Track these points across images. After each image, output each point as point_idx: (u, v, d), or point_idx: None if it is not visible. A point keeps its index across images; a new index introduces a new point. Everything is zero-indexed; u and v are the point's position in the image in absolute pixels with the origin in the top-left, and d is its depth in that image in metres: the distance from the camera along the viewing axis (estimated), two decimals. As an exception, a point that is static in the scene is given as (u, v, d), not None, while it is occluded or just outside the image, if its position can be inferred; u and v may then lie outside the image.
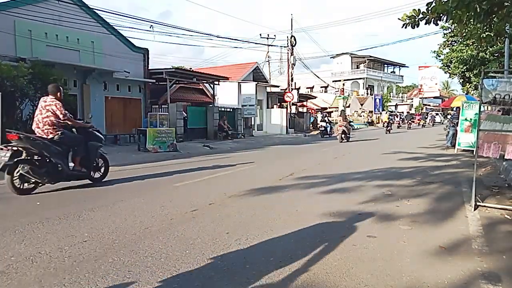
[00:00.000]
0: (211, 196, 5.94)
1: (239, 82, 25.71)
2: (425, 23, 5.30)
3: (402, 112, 50.48)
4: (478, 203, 5.21)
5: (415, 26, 5.39)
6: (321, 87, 52.08)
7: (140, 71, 18.06)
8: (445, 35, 22.70)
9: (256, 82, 26.04)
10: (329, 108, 46.46)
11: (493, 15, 5.28)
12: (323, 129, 23.82)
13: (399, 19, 5.43)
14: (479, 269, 3.14)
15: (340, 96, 47.14)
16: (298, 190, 6.48)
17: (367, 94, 55.18)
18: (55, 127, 6.25)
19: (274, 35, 31.48)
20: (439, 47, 24.32)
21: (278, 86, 31.04)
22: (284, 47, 30.09)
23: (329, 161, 11.08)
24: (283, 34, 32.33)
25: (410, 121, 36.88)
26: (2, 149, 5.82)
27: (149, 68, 18.68)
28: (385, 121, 30.11)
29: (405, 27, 5.45)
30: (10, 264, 3.19)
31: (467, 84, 24.61)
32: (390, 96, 60.10)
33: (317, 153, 13.99)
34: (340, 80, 53.18)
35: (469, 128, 12.56)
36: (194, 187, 6.82)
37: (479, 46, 17.41)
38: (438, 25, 5.61)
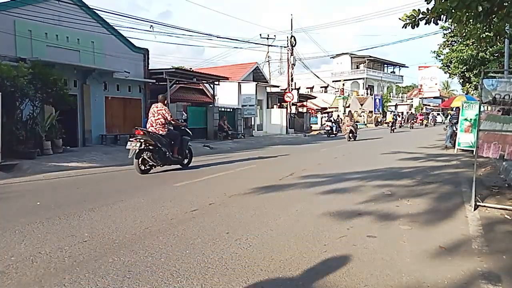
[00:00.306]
0: (211, 196, 5.94)
1: (239, 82, 25.70)
2: (425, 23, 5.30)
3: (402, 112, 51.24)
4: (478, 203, 5.21)
5: (415, 26, 5.39)
6: (321, 87, 52.09)
7: (140, 71, 18.06)
8: (445, 35, 22.72)
9: (256, 82, 26.03)
10: (329, 108, 46.48)
11: (493, 15, 5.28)
12: (329, 128, 24.68)
13: (399, 19, 5.43)
14: (479, 269, 3.14)
15: (340, 96, 47.15)
16: (298, 190, 6.48)
17: (367, 94, 55.17)
18: (164, 126, 8.64)
19: (274, 35, 31.53)
20: (439, 47, 24.34)
21: (278, 86, 31.04)
22: (284, 47, 30.09)
23: (329, 161, 11.08)
24: (283, 34, 32.39)
25: (412, 121, 38.00)
26: (132, 141, 8.12)
27: (149, 68, 18.67)
28: (390, 121, 31.54)
29: (405, 27, 5.45)
30: (10, 264, 3.19)
31: (467, 84, 24.62)
32: (390, 96, 60.08)
33: (317, 153, 13.99)
34: (340, 80, 53.18)
35: (469, 128, 12.56)
36: (194, 187, 6.82)
37: (478, 46, 17.41)
38: (438, 25, 5.61)
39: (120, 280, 2.89)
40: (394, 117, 33.57)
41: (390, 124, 29.85)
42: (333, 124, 24.96)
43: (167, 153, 8.53)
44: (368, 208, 5.16)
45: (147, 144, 8.16)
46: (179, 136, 8.99)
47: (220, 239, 3.84)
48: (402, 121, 41.36)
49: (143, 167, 8.32)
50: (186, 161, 9.43)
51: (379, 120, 45.77)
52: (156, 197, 5.89)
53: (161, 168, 8.80)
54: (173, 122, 8.91)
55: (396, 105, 59.43)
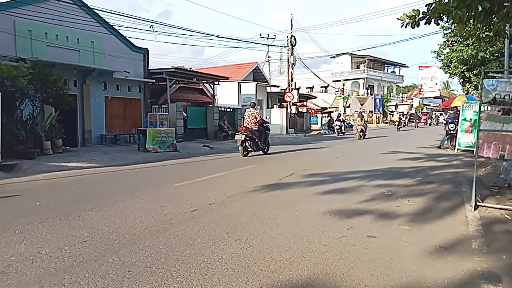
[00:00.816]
0: (211, 196, 5.94)
1: (239, 82, 25.70)
2: (425, 23, 5.29)
3: (402, 112, 51.74)
4: (478, 203, 5.21)
5: (415, 26, 5.38)
6: (321, 87, 52.07)
7: (140, 71, 18.05)
8: (445, 35, 22.71)
9: (256, 82, 26.04)
10: (329, 108, 46.47)
11: (493, 15, 5.28)
12: (338, 127, 26.83)
13: (398, 19, 5.42)
14: (479, 269, 3.13)
15: (340, 96, 47.15)
16: (298, 190, 6.47)
17: (367, 94, 55.16)
18: (255, 124, 12.19)
19: (274, 35, 31.49)
20: (439, 47, 24.33)
21: (278, 86, 31.04)
22: (284, 47, 30.07)
23: (329, 161, 11.08)
24: (283, 34, 32.40)
25: (417, 120, 41.32)
26: (238, 134, 11.81)
27: (149, 68, 18.66)
28: (396, 120, 34.32)
29: (405, 27, 5.44)
30: (10, 264, 3.19)
31: (467, 84, 24.62)
32: (390, 96, 60.05)
33: (317, 153, 13.99)
34: (340, 80, 53.18)
35: (469, 128, 12.56)
36: (194, 187, 6.81)
37: (478, 46, 17.40)
38: (439, 25, 5.60)
39: (120, 280, 2.89)
40: (400, 116, 36.07)
41: (397, 123, 32.48)
42: (342, 123, 27.14)
43: (259, 142, 12.06)
44: (368, 208, 5.16)
45: (247, 137, 11.68)
46: (264, 131, 12.46)
47: (220, 239, 3.84)
48: (407, 121, 42.89)
49: (245, 152, 11.85)
50: (266, 149, 12.70)
51: (391, 119, 46.09)
52: (156, 197, 5.89)
53: (253, 153, 12.23)
54: (262, 121, 12.52)
55: (396, 105, 59.41)
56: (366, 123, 23.64)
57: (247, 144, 11.81)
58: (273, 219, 4.62)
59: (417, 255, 3.43)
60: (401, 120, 33.75)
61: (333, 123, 29.11)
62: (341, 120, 27.70)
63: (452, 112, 15.93)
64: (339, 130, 26.81)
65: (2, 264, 3.19)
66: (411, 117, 43.66)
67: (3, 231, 4.13)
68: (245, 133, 11.62)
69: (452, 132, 13.79)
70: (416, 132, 30.46)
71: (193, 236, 3.94)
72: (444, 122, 14.51)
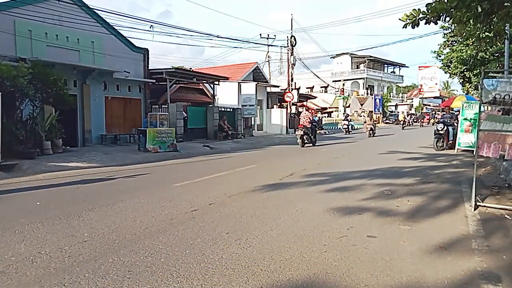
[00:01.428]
0: (211, 196, 5.94)
1: (239, 82, 25.69)
2: (425, 23, 5.29)
3: (408, 112, 52.89)
4: (478, 203, 5.21)
5: (415, 26, 5.38)
6: (321, 87, 52.08)
7: (140, 71, 18.05)
8: (445, 35, 22.70)
9: (256, 82, 26.02)
10: (329, 108, 46.48)
11: (493, 15, 5.28)
12: (346, 127, 28.80)
13: (399, 19, 5.42)
14: (479, 269, 3.13)
15: (340, 96, 47.17)
16: (298, 190, 6.47)
17: (367, 94, 55.15)
18: (309, 122, 15.50)
19: (274, 35, 31.50)
20: (439, 47, 24.32)
21: (278, 86, 31.04)
22: (284, 47, 30.06)
23: (329, 161, 11.08)
24: (283, 34, 32.44)
25: (422, 120, 43.96)
26: (298, 130, 15.57)
27: (149, 68, 18.65)
28: (402, 120, 37.36)
29: (405, 27, 5.45)
30: (10, 264, 3.19)
31: (467, 84, 24.61)
32: (390, 96, 60.03)
33: (317, 153, 13.99)
34: (340, 80, 53.19)
35: (469, 128, 12.56)
36: (194, 187, 6.81)
37: (478, 46, 17.40)
38: (438, 25, 5.61)
39: (120, 280, 2.89)
40: (405, 116, 39.42)
41: (402, 122, 36.08)
42: (350, 123, 29.33)
43: (313, 137, 15.92)
44: (368, 207, 5.16)
45: (304, 132, 15.38)
46: (314, 128, 16.12)
47: (220, 239, 3.84)
48: (412, 121, 45.16)
49: (302, 144, 15.41)
50: (315, 142, 16.23)
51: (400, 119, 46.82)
52: (156, 197, 5.89)
53: (308, 145, 15.79)
54: (312, 121, 16.02)
55: (396, 105, 59.41)
56: (375, 122, 26.33)
57: (304, 138, 15.53)
58: (273, 219, 4.62)
59: (417, 255, 3.43)
60: (405, 120, 36.96)
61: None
62: (349, 120, 29.55)
63: (445, 112, 15.84)
64: (346, 129, 28.52)
65: (2, 264, 3.19)
66: (418, 117, 46.99)
67: (3, 231, 4.13)
68: (303, 130, 15.44)
69: (440, 132, 13.50)
70: (419, 130, 31.62)
71: (193, 236, 3.94)
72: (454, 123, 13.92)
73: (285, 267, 3.15)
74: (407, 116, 44.36)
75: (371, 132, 22.81)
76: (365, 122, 29.64)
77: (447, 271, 3.09)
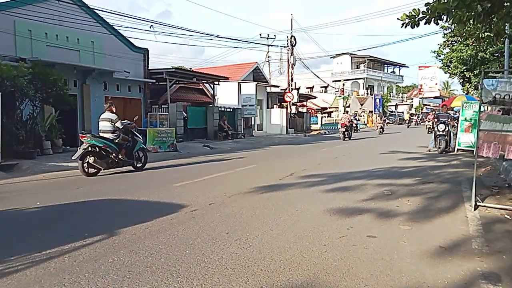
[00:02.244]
0: (211, 196, 5.94)
1: (239, 82, 25.69)
2: (425, 23, 5.28)
3: (402, 112, 53.34)
4: (478, 203, 5.21)
5: (415, 25, 5.38)
6: (321, 87, 52.07)
7: (140, 71, 18.05)
8: (445, 35, 22.70)
9: (256, 82, 26.02)
10: (329, 108, 46.47)
11: (493, 15, 5.28)
12: (355, 126, 31.54)
13: (398, 19, 5.42)
14: (479, 269, 3.13)
15: (340, 96, 47.14)
16: (298, 190, 6.47)
17: (367, 94, 55.14)
18: (349, 122, 20.70)
19: (274, 35, 31.47)
20: (439, 47, 24.32)
21: (278, 86, 31.04)
22: (284, 47, 30.07)
23: (329, 161, 11.08)
24: (283, 34, 32.43)
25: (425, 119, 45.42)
26: (341, 127, 20.29)
27: (149, 68, 18.66)
28: (407, 119, 41.79)
29: (405, 27, 5.44)
30: (10, 264, 3.19)
31: (467, 84, 24.61)
32: (390, 96, 60.02)
33: (317, 153, 13.99)
34: (340, 80, 53.18)
35: (469, 128, 12.54)
36: (194, 187, 6.81)
37: (478, 46, 17.40)
38: (438, 25, 5.60)
39: (120, 280, 2.89)
40: (411, 116, 43.56)
41: (407, 121, 40.33)
42: (357, 121, 32.89)
43: (351, 133, 19.88)
44: (368, 208, 5.16)
45: (346, 130, 20.17)
46: (351, 127, 18.99)
47: (220, 239, 3.84)
48: (419, 120, 47.02)
49: (343, 138, 18.86)
50: (351, 137, 18.84)
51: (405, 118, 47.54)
52: (156, 197, 5.89)
53: (346, 138, 19.82)
54: (351, 121, 20.25)
55: (396, 105, 59.40)
56: (385, 122, 32.10)
57: (345, 134, 20.16)
58: (273, 219, 4.62)
59: (417, 255, 3.43)
60: (411, 119, 41.31)
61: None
62: (357, 119, 32.86)
63: (443, 112, 14.11)
64: (355, 128, 30.58)
65: (2, 264, 3.19)
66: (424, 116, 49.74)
67: (3, 231, 4.13)
68: (345, 128, 20.20)
69: (441, 133, 12.67)
70: (424, 129, 32.36)
71: (193, 236, 3.94)
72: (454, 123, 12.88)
73: (285, 267, 3.15)
74: (413, 116, 46.56)
75: (381, 130, 26.65)
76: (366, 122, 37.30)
77: (447, 271, 3.09)
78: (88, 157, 8.17)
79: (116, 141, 8.61)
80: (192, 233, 4.04)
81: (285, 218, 4.67)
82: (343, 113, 23.79)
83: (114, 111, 8.97)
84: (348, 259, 3.31)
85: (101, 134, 8.64)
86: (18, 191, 6.65)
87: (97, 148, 8.28)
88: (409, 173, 8.39)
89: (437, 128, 12.87)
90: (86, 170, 8.16)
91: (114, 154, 8.51)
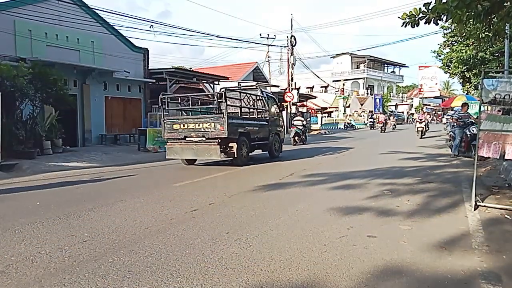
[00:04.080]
0: (211, 196, 5.94)
1: (239, 82, 25.71)
2: (425, 23, 5.28)
3: (402, 112, 53.73)
4: (478, 203, 5.20)
5: (415, 25, 5.38)
6: (321, 87, 52.07)
7: (140, 71, 18.06)
8: (445, 35, 22.71)
9: (256, 82, 26.02)
10: (329, 108, 46.46)
11: (493, 15, 5.28)
12: (371, 123, 35.89)
13: (399, 17, 5.42)
14: (479, 269, 3.13)
15: (340, 96, 47.13)
16: (298, 190, 6.47)
17: (367, 94, 55.16)
18: (384, 119, 30.56)
19: (274, 35, 31.49)
20: (439, 47, 24.34)
21: (278, 86, 31.03)
22: (284, 47, 30.06)
23: (329, 161, 11.07)
24: (283, 34, 32.46)
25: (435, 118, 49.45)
26: (380, 123, 28.89)
27: (149, 68, 18.67)
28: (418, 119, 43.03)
29: (405, 26, 5.44)
30: (10, 264, 3.19)
31: (467, 84, 24.63)
32: (390, 96, 60.06)
33: (317, 153, 13.98)
34: (340, 80, 53.14)
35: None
36: (194, 187, 6.81)
37: (478, 46, 17.41)
38: (438, 25, 5.60)
39: (120, 280, 2.89)
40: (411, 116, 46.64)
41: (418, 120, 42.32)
42: (373, 121, 36.02)
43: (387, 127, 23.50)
44: (369, 207, 5.15)
45: (384, 125, 27.87)
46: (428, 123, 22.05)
47: (220, 239, 3.84)
48: (430, 119, 46.88)
49: (381, 131, 23.76)
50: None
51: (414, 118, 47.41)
52: (156, 197, 5.89)
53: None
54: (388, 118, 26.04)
55: (396, 105, 59.39)
56: (396, 121, 37.73)
57: (383, 128, 26.79)
58: (273, 219, 4.62)
59: (417, 255, 3.42)
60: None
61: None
62: (373, 118, 36.25)
63: (456, 112, 12.67)
64: (372, 125, 35.48)
65: (2, 264, 3.19)
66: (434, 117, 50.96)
67: (3, 231, 4.13)
68: (383, 123, 26.82)
69: (472, 134, 10.48)
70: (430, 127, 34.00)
71: (193, 236, 3.94)
72: (454, 123, 11.54)
73: (285, 267, 3.15)
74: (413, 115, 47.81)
75: (394, 127, 32.13)
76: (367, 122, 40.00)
77: (447, 271, 3.09)
78: None
79: None
80: (192, 233, 4.04)
81: (285, 218, 4.67)
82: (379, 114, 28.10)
83: None
84: (348, 259, 3.31)
85: None
86: (18, 191, 6.65)
87: None
88: (409, 173, 8.39)
89: (470, 130, 10.78)
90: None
91: None
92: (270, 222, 4.46)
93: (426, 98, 61.29)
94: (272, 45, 31.98)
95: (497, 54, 19.92)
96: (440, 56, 24.75)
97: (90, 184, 7.31)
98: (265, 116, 11.67)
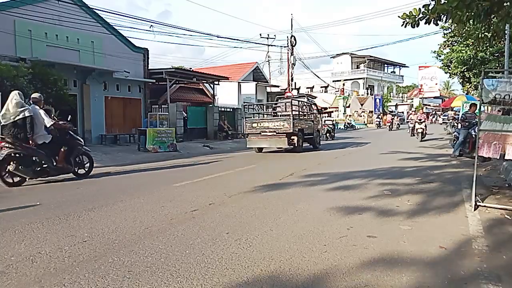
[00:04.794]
0: (211, 196, 5.94)
1: (239, 82, 25.72)
2: (425, 23, 5.29)
3: (402, 112, 53.76)
4: (478, 203, 5.20)
5: (415, 25, 5.38)
6: (321, 87, 52.09)
7: (140, 71, 18.06)
8: (445, 35, 22.73)
9: (256, 82, 26.06)
10: (329, 108, 46.47)
11: (493, 15, 5.28)
12: (377, 122, 39.73)
13: (399, 17, 5.43)
14: (479, 269, 3.13)
15: (340, 96, 47.15)
16: (298, 190, 6.47)
17: (367, 94, 55.17)
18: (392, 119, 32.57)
19: (274, 35, 31.55)
20: (439, 47, 24.35)
21: (278, 86, 31.07)
22: (284, 47, 30.08)
23: (329, 161, 11.08)
24: (283, 34, 32.47)
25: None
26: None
27: (149, 68, 18.68)
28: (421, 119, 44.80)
29: (405, 26, 5.45)
30: (10, 264, 3.19)
31: (467, 84, 24.64)
32: (390, 96, 60.08)
33: (317, 153, 13.99)
34: (340, 80, 53.17)
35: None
36: (194, 187, 6.81)
37: (477, 46, 17.43)
38: (438, 25, 5.61)
39: (120, 280, 2.89)
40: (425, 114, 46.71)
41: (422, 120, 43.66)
42: (380, 120, 39.95)
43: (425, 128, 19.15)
44: (369, 207, 5.15)
45: (392, 124, 31.51)
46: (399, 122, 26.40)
47: (220, 239, 3.84)
48: (434, 119, 49.92)
49: (391, 130, 26.25)
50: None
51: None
52: (156, 197, 5.89)
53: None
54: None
55: (396, 105, 59.39)
56: (401, 121, 39.18)
57: (390, 126, 28.72)
58: (273, 219, 4.62)
59: (417, 255, 3.42)
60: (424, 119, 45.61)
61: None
62: (380, 118, 40.11)
63: (471, 112, 11.42)
64: (378, 125, 39.19)
65: (2, 264, 3.19)
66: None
67: (3, 231, 4.13)
68: (391, 122, 29.00)
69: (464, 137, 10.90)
70: (433, 126, 34.88)
71: (193, 236, 3.94)
72: (455, 123, 11.01)
73: (285, 267, 3.15)
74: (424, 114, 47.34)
75: (398, 126, 32.98)
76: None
77: (447, 271, 3.09)
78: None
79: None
80: (192, 233, 4.04)
81: (285, 218, 4.67)
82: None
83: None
84: (348, 259, 3.31)
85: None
86: (18, 191, 6.65)
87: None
88: (409, 173, 8.39)
89: (473, 131, 10.46)
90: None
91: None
92: (270, 222, 4.46)
93: (426, 98, 61.29)
94: (272, 45, 32.06)
95: (497, 54, 19.93)
96: (440, 56, 24.76)
97: (90, 184, 7.30)
98: (310, 117, 15.18)
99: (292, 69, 29.79)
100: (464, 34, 6.97)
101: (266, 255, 3.40)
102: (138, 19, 29.67)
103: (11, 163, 6.84)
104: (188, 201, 5.56)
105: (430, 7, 5.12)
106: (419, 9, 5.27)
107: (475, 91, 23.78)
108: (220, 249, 3.55)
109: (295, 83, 30.87)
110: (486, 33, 6.26)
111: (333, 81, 54.95)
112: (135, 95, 17.96)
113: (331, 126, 22.59)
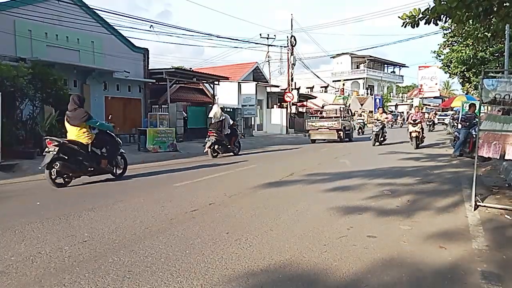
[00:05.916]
0: (211, 196, 5.94)
1: (239, 82, 25.71)
2: (425, 23, 5.30)
3: (402, 112, 53.66)
4: (478, 203, 5.21)
5: (415, 25, 5.39)
6: (321, 87, 52.08)
7: (140, 71, 18.05)
8: (445, 35, 22.72)
9: (256, 82, 26.04)
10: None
11: (492, 16, 5.28)
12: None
13: (399, 17, 5.43)
14: (479, 269, 3.13)
15: (340, 96, 47.17)
16: (298, 190, 6.47)
17: (367, 94, 55.18)
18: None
19: (274, 35, 31.49)
20: (439, 47, 24.34)
21: (278, 86, 31.05)
22: (284, 47, 30.09)
23: (329, 161, 11.08)
24: (283, 34, 32.49)
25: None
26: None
27: (149, 68, 18.66)
28: (429, 119, 45.54)
29: (405, 26, 5.45)
30: (10, 264, 3.19)
31: (467, 84, 24.63)
32: (390, 96, 60.10)
33: (317, 153, 13.99)
34: (340, 80, 53.19)
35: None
36: (194, 187, 6.81)
37: (477, 46, 17.43)
38: (438, 25, 5.61)
39: (120, 280, 2.89)
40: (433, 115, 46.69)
41: (430, 122, 43.96)
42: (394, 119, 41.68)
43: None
44: (369, 207, 5.16)
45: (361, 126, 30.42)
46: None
47: (220, 239, 3.84)
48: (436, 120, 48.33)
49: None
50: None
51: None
52: (156, 197, 5.89)
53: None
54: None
55: (396, 105, 59.40)
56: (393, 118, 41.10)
57: (392, 124, 31.98)
58: (273, 219, 4.62)
59: (417, 255, 3.43)
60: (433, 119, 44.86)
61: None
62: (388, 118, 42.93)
63: (471, 112, 11.28)
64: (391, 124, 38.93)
65: (2, 264, 3.19)
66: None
67: (3, 231, 4.13)
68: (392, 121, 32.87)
69: (464, 138, 10.80)
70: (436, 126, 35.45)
71: (193, 236, 3.94)
72: (454, 123, 10.61)
73: (285, 267, 3.15)
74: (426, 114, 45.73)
75: (401, 125, 35.08)
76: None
77: (447, 271, 3.09)
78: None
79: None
80: (192, 233, 4.04)
81: (285, 218, 4.67)
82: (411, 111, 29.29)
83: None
84: (348, 259, 3.31)
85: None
86: (18, 191, 6.65)
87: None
88: (409, 173, 8.39)
89: (474, 131, 10.18)
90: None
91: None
92: (270, 222, 4.46)
93: (426, 98, 61.26)
94: (272, 45, 32.01)
95: (497, 54, 19.92)
96: (440, 56, 24.75)
97: (90, 184, 7.30)
98: (347, 119, 20.55)
99: (292, 69, 29.80)
100: (464, 34, 6.98)
101: (266, 255, 3.41)
102: (138, 19, 29.73)
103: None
104: (188, 201, 5.56)
105: (430, 7, 5.12)
106: (419, 9, 5.28)
107: (475, 91, 23.79)
108: (220, 249, 3.55)
109: (295, 83, 30.84)
110: (486, 33, 6.27)
111: (333, 81, 54.95)
112: (135, 95, 17.95)
113: (362, 124, 30.65)
